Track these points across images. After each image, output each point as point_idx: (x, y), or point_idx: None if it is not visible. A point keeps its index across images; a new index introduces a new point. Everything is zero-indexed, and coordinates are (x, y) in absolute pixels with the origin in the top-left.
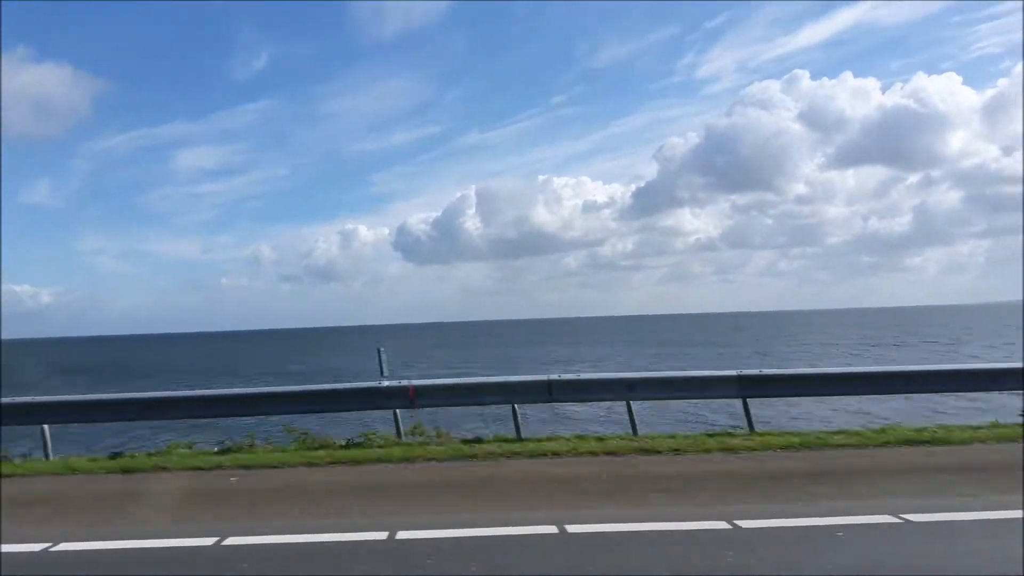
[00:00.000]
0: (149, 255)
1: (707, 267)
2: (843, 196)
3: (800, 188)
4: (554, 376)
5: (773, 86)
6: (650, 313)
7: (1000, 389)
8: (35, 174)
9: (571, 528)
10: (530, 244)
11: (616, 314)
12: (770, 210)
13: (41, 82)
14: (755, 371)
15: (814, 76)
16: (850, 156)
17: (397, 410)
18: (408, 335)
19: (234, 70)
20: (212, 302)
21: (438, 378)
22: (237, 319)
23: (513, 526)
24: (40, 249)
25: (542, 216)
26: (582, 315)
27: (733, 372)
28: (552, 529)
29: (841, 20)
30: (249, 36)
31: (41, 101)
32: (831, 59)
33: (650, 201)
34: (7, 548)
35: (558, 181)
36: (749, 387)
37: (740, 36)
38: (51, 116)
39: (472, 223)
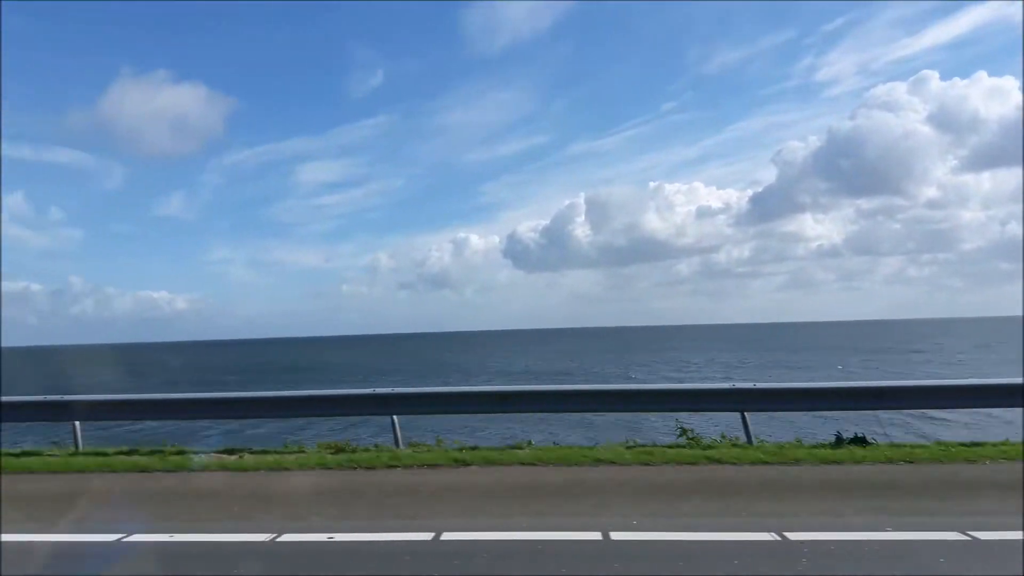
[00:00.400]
0: (274, 264)
1: (830, 274)
2: (978, 200)
3: (931, 192)
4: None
5: (899, 88)
6: (768, 321)
7: None
8: (169, 189)
9: None
10: (640, 251)
11: (731, 322)
12: (898, 215)
13: (179, 102)
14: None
15: (943, 77)
16: (986, 158)
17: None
18: (537, 340)
19: (352, 88)
20: (333, 308)
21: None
22: (356, 324)
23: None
24: (175, 259)
25: (653, 223)
26: (694, 323)
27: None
28: None
29: (969, 20)
30: (366, 55)
31: (178, 120)
32: (960, 59)
33: (768, 206)
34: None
35: (670, 187)
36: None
37: (860, 38)
38: (187, 134)
39: (581, 230)
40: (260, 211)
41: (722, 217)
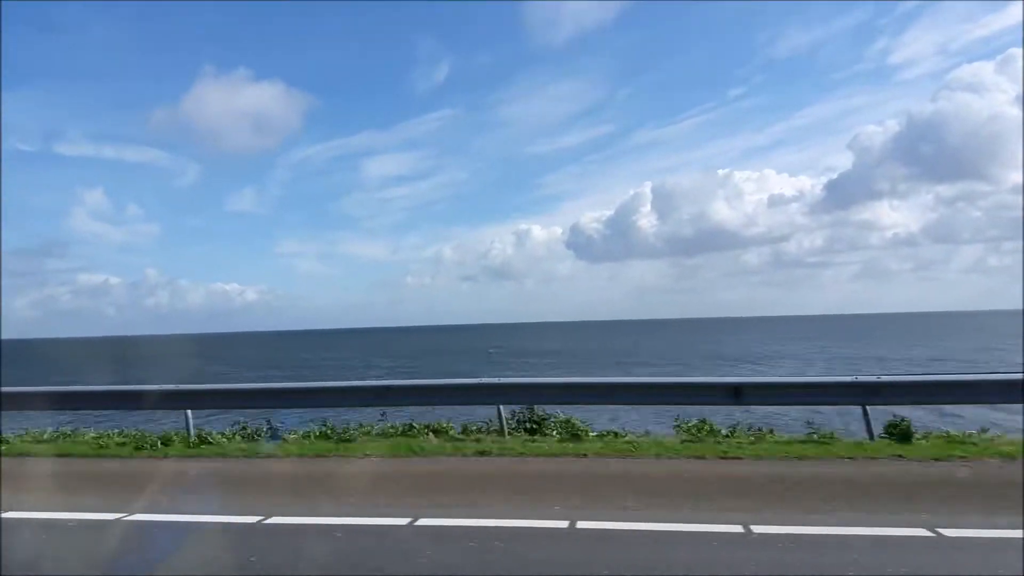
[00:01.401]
0: (341, 256)
1: (906, 263)
2: None
3: (1017, 177)
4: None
5: (985, 68)
6: (840, 312)
7: None
8: (241, 185)
9: None
10: (708, 241)
11: (801, 313)
12: (980, 201)
13: (257, 100)
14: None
15: None
16: None
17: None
18: (608, 332)
19: (418, 82)
20: (397, 300)
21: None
22: (420, 315)
23: None
24: (246, 252)
25: (722, 212)
26: (763, 314)
27: None
28: None
29: None
30: (431, 49)
31: (256, 117)
32: None
33: (844, 193)
34: None
35: (739, 175)
36: None
37: (938, 17)
38: (264, 130)
39: (647, 220)
40: (329, 205)
41: (795, 205)
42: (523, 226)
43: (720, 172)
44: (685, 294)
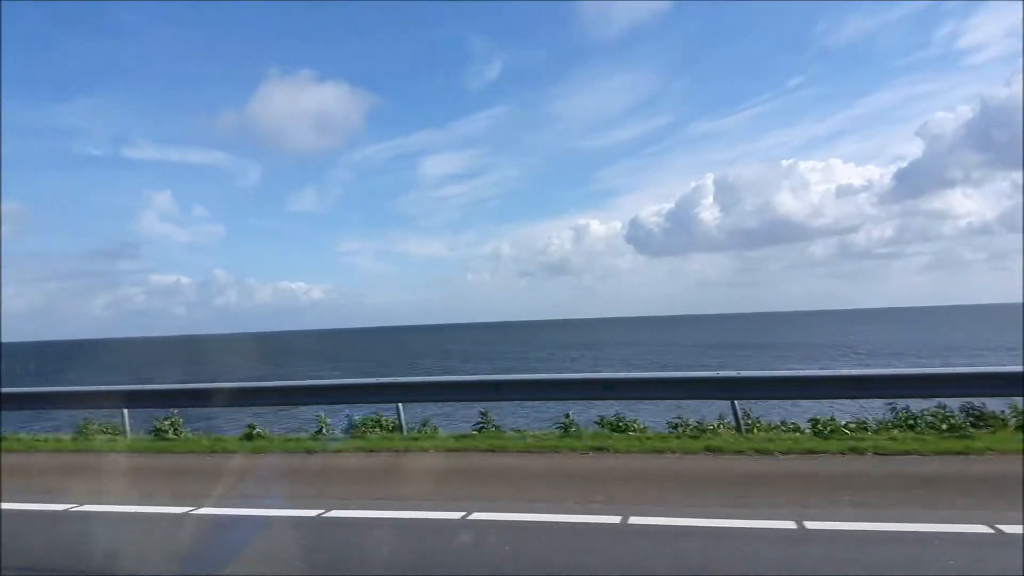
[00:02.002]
0: (400, 255)
1: (980, 253)
2: None
3: None
4: None
5: None
6: (910, 305)
7: None
8: (302, 185)
9: None
10: (772, 233)
11: (867, 307)
12: None
13: (322, 100)
14: None
15: None
16: None
17: None
18: (669, 327)
19: (471, 80)
20: (457, 296)
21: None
22: (481, 312)
23: None
24: (309, 251)
25: (787, 203)
26: (829, 308)
27: None
28: None
29: None
30: (484, 47)
31: (321, 117)
32: None
33: (914, 182)
34: None
35: (804, 165)
36: None
37: None
38: (328, 130)
39: (709, 213)
40: (387, 203)
41: (863, 195)
42: (581, 221)
43: (784, 163)
44: (748, 288)
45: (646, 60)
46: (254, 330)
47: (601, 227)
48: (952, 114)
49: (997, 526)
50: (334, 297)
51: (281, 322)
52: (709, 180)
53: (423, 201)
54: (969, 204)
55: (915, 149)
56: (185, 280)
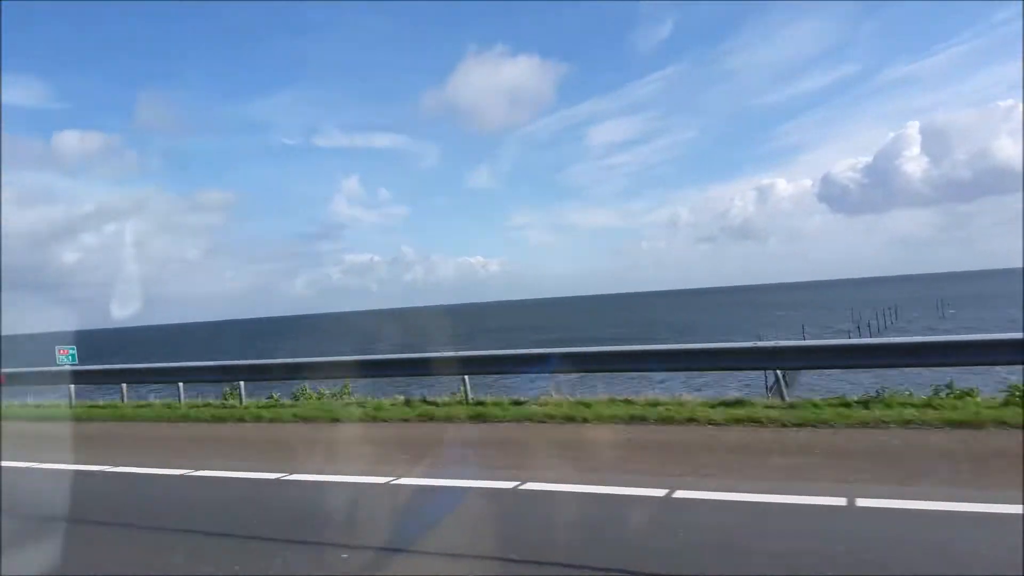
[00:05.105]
0: (570, 226)
1: None
2: None
3: None
4: None
5: None
6: None
7: None
8: (476, 162)
9: None
10: (987, 183)
11: None
12: None
13: (516, 74)
14: None
15: None
16: None
17: None
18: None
19: (640, 42)
20: (631, 266)
21: None
22: (656, 280)
23: None
24: (485, 226)
25: (1006, 149)
26: None
27: None
28: None
29: None
30: (653, 7)
31: (514, 92)
32: None
33: None
34: None
35: None
36: None
37: None
38: (516, 104)
39: (914, 165)
40: (556, 176)
41: None
42: (764, 181)
43: (1000, 104)
44: (954, 245)
45: (830, 4)
46: (441, 303)
47: (788, 186)
48: None
49: None
50: (509, 270)
51: (464, 295)
52: (913, 128)
53: (591, 171)
54: None
55: None
56: (377, 258)
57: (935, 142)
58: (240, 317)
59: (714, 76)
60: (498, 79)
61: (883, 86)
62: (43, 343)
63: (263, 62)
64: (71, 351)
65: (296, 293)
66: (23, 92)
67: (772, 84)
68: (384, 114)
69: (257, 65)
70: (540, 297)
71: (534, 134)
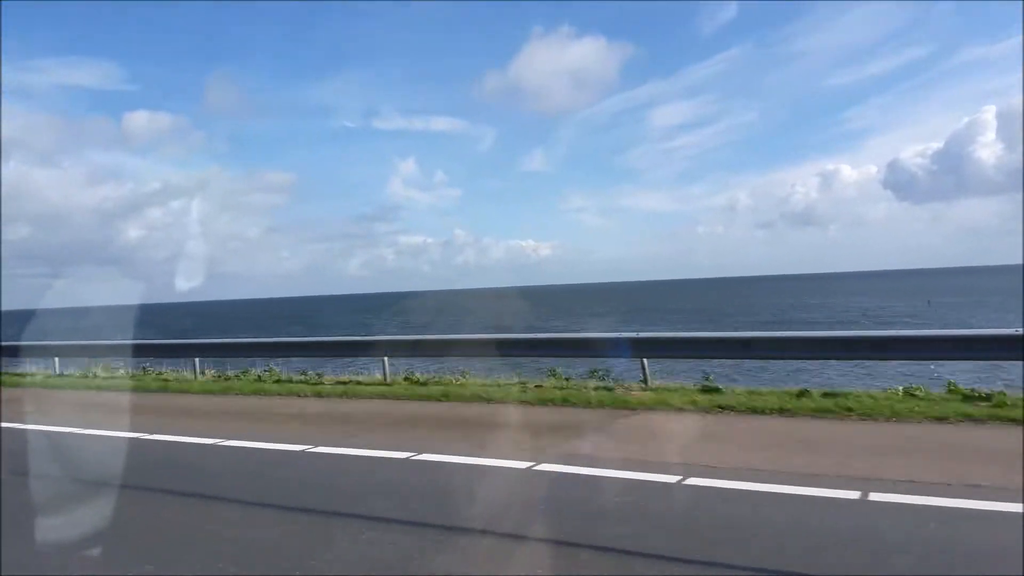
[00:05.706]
0: (624, 210)
1: None
2: None
3: None
4: None
5: None
6: None
7: None
8: (532, 146)
9: None
10: None
11: None
12: None
13: (580, 56)
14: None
15: None
16: None
17: None
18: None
19: (703, 24)
20: (686, 251)
21: None
22: (711, 267)
23: None
24: (538, 210)
25: None
26: None
27: None
28: None
29: None
30: None
31: (577, 74)
32: None
33: None
34: None
35: None
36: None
37: None
38: (582, 86)
39: (989, 151)
40: (613, 159)
41: None
42: (828, 166)
43: None
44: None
45: None
46: (492, 286)
47: (852, 172)
48: None
49: None
50: (562, 253)
51: (515, 278)
52: (989, 113)
53: (650, 154)
54: None
55: None
56: (430, 240)
57: (1011, 127)
58: (295, 295)
59: (778, 58)
60: (562, 61)
61: (954, 69)
62: (113, 315)
63: (327, 46)
64: None
65: (351, 273)
66: (96, 74)
67: (838, 67)
68: (444, 97)
69: (321, 49)
70: (591, 282)
71: (593, 117)
